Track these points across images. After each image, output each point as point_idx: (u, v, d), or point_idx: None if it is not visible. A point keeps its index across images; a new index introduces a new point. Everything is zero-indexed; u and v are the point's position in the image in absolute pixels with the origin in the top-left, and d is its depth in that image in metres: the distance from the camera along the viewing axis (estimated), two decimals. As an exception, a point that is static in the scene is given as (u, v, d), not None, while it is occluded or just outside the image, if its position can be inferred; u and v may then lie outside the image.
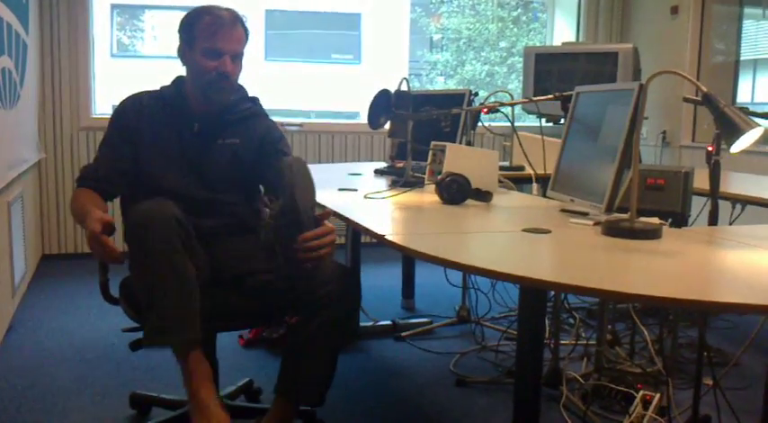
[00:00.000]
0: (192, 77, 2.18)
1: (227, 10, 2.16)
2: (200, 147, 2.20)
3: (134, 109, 2.20)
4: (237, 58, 2.16)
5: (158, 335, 1.86)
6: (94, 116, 4.83)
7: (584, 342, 3.12)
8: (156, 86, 2.29)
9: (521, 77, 4.66)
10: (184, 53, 2.17)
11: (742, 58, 5.19)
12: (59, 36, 4.69)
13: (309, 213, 1.87)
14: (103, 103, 5.16)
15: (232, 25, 2.12)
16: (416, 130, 2.69)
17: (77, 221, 2.03)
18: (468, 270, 1.55)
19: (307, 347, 2.02)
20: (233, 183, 2.24)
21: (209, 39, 2.10)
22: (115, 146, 2.18)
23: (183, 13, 2.19)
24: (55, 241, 4.82)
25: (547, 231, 1.86)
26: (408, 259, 4.03)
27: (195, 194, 2.16)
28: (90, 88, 4.81)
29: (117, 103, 2.24)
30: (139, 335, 2.00)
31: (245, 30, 2.18)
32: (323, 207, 2.19)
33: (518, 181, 3.19)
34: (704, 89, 1.76)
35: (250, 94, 2.33)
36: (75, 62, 4.75)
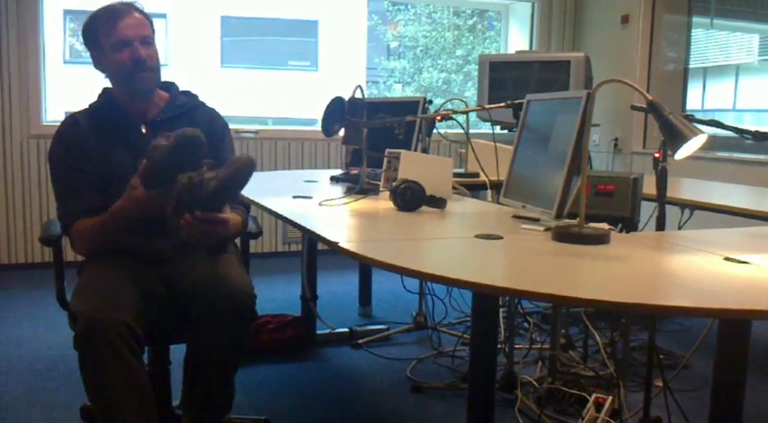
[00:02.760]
0: (114, 80, 2.16)
1: (120, 2, 2.13)
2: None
3: (73, 133, 2.14)
4: (147, 42, 2.12)
5: None
6: (45, 123, 4.74)
7: (539, 346, 3.15)
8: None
9: (477, 85, 4.70)
10: (99, 61, 2.14)
11: (691, 66, 5.32)
12: (8, 42, 4.59)
13: (218, 205, 1.91)
14: (56, 111, 5.07)
15: (128, 13, 2.10)
16: (371, 137, 2.70)
17: (113, 230, 2.03)
18: (421, 276, 1.56)
19: (203, 365, 1.98)
20: None
21: (112, 32, 2.07)
22: (74, 174, 2.11)
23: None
24: (4, 251, 4.71)
25: (499, 237, 1.88)
26: (365, 266, 4.04)
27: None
28: (41, 95, 4.72)
29: (53, 136, 2.17)
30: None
31: (146, 15, 2.15)
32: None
33: (472, 188, 3.22)
34: (649, 97, 1.80)
35: (201, 98, 2.32)
36: (26, 69, 4.65)
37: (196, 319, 1.92)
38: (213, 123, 2.27)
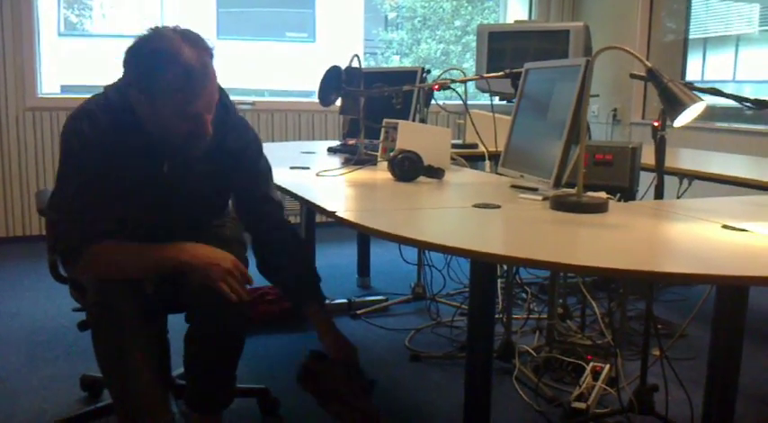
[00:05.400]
0: (153, 126, 1.77)
1: (193, 50, 1.69)
2: (171, 186, 1.90)
3: (97, 139, 1.77)
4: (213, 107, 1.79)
5: None
6: (41, 96, 4.71)
7: (536, 316, 3.17)
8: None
9: (475, 56, 4.67)
10: (139, 101, 1.74)
11: (691, 37, 5.28)
12: (2, 15, 4.54)
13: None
14: (51, 83, 5.04)
15: (205, 76, 1.70)
16: (368, 107, 2.69)
17: (131, 272, 1.80)
18: (419, 245, 1.56)
19: (201, 361, 1.97)
20: (209, 208, 2.06)
21: (183, 102, 1.69)
22: (99, 185, 1.79)
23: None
24: (2, 224, 4.70)
25: (497, 206, 1.88)
26: (363, 238, 4.04)
27: (165, 224, 1.94)
28: (35, 68, 4.67)
29: (70, 136, 1.79)
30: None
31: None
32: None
33: (471, 158, 3.21)
34: (648, 64, 1.78)
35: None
36: (20, 42, 4.61)
37: (191, 326, 1.93)
38: (247, 150, 2.02)
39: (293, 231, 2.13)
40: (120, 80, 1.81)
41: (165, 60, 1.66)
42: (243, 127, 2.04)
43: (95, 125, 1.77)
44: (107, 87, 1.86)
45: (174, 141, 1.77)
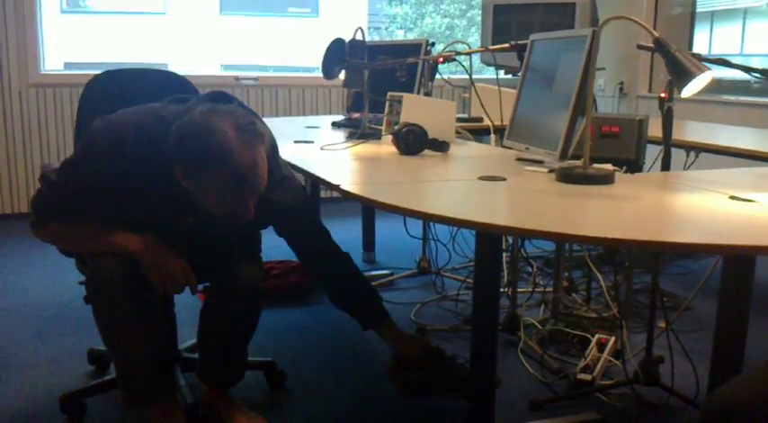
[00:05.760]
0: (192, 197, 1.71)
1: (245, 146, 1.60)
2: (193, 235, 1.88)
3: (114, 165, 1.70)
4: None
5: (128, 404, 1.89)
6: (43, 72, 4.69)
7: (542, 289, 3.17)
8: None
9: (480, 30, 4.63)
10: (182, 177, 1.66)
11: (698, 10, 5.22)
12: (3, -11, 4.52)
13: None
14: (54, 60, 5.01)
15: (254, 175, 1.63)
16: (372, 80, 2.67)
17: (82, 250, 1.87)
18: (424, 217, 1.55)
19: (216, 337, 2.02)
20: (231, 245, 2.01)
21: (229, 200, 1.66)
22: (96, 194, 1.76)
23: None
24: (7, 201, 4.71)
25: (502, 179, 1.87)
26: (368, 212, 4.04)
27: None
28: (38, 45, 4.65)
29: (95, 134, 1.70)
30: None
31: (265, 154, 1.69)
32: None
33: (476, 133, 3.20)
34: (655, 34, 1.76)
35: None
36: (22, 18, 4.58)
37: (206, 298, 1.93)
38: (288, 206, 1.99)
39: (344, 256, 2.10)
40: (170, 112, 1.72)
41: (215, 162, 1.58)
42: (288, 183, 1.98)
43: (117, 147, 1.68)
44: (162, 107, 1.76)
45: (212, 217, 1.72)
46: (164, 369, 1.91)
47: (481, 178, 1.88)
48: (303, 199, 2.03)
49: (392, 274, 3.60)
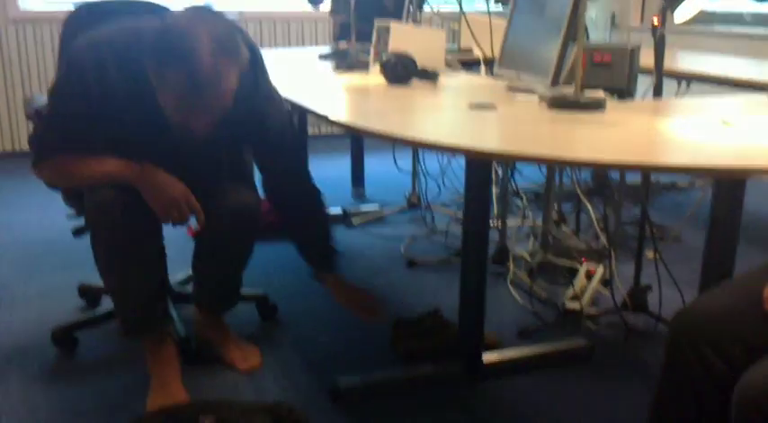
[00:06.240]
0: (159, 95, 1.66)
1: (214, 58, 1.56)
2: (182, 156, 1.84)
3: (99, 82, 1.68)
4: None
5: (128, 331, 1.92)
6: (23, 9, 4.56)
7: (531, 222, 3.17)
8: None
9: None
10: (150, 68, 1.62)
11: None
12: None
13: None
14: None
15: (213, 87, 1.58)
16: (359, 8, 2.61)
17: (82, 184, 1.82)
18: (414, 144, 1.53)
19: (211, 262, 2.03)
20: (218, 165, 1.97)
21: (182, 109, 1.62)
22: (83, 116, 1.73)
23: None
24: (-9, 140, 4.65)
25: (493, 107, 1.84)
26: (357, 147, 4.01)
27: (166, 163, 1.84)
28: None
29: (76, 54, 1.70)
30: (81, 221, 1.98)
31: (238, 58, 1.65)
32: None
33: (466, 64, 3.14)
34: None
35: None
36: (-3, -52, 4.43)
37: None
38: (252, 99, 1.86)
39: (314, 200, 2.08)
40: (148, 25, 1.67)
41: (177, 59, 1.55)
42: (271, 99, 1.94)
43: (96, 62, 1.68)
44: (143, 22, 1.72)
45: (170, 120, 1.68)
46: (159, 300, 1.92)
47: (471, 106, 1.86)
48: (289, 123, 1.99)
49: (382, 209, 3.59)
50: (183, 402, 1.84)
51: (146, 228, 1.79)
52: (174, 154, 1.81)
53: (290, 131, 2.00)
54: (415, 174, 3.65)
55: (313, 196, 2.06)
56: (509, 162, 2.93)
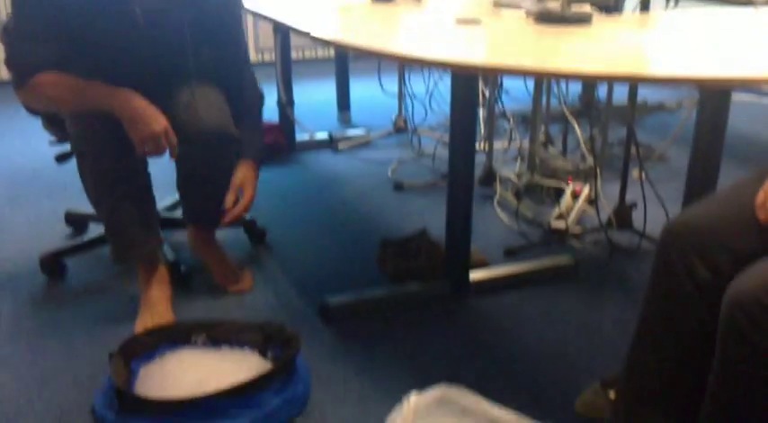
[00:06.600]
0: None
1: None
2: (145, 34, 1.79)
3: None
4: None
5: (119, 255, 1.92)
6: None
7: (518, 144, 3.17)
8: None
9: None
10: None
11: None
12: None
13: None
14: None
15: None
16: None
17: (64, 109, 1.80)
18: (400, 60, 1.52)
19: (190, 188, 2.06)
20: (184, 60, 1.89)
21: None
22: (50, 13, 1.70)
23: None
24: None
25: (479, 22, 1.81)
26: (342, 71, 3.96)
27: (137, 73, 1.82)
28: None
29: None
30: (66, 147, 1.96)
31: None
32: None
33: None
34: None
35: None
36: None
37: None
38: (228, 5, 1.93)
39: (259, 92, 2.05)
40: None
41: None
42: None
43: None
44: None
45: None
46: (150, 223, 1.92)
47: (457, 22, 1.83)
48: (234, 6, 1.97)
49: (368, 134, 3.57)
50: (171, 323, 1.86)
51: (132, 154, 1.77)
52: (141, 50, 1.79)
53: (230, 15, 1.96)
54: (401, 97, 3.61)
55: (249, 93, 2.03)
56: (495, 80, 2.91)
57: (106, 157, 1.77)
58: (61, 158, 2.03)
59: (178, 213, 2.45)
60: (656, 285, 1.24)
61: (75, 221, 2.47)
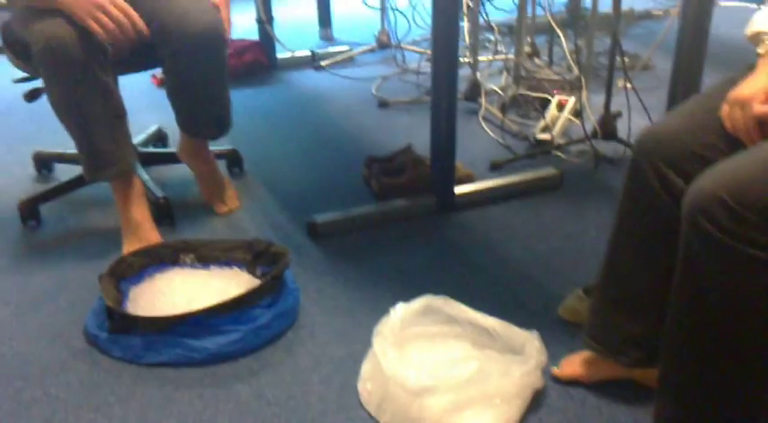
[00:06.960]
0: None
1: None
2: None
3: None
4: None
5: (94, 172, 1.85)
6: None
7: (503, 56, 3.12)
8: None
9: None
10: None
11: None
12: None
13: None
14: None
15: None
16: None
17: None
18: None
19: (179, 94, 1.96)
20: None
21: None
22: None
23: None
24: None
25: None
26: (323, -14, 3.86)
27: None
28: None
29: None
30: (35, 83, 1.91)
31: None
32: None
33: None
34: None
35: None
36: None
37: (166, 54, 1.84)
38: None
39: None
40: None
41: None
42: None
43: None
44: None
45: None
46: (121, 136, 1.85)
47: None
48: None
49: (351, 50, 3.51)
50: (158, 243, 1.85)
51: (98, 59, 1.71)
52: None
53: None
54: (383, 11, 3.53)
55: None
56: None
57: (70, 65, 1.68)
58: (31, 96, 1.94)
59: (150, 149, 2.39)
60: (631, 195, 1.26)
61: (45, 164, 2.35)
